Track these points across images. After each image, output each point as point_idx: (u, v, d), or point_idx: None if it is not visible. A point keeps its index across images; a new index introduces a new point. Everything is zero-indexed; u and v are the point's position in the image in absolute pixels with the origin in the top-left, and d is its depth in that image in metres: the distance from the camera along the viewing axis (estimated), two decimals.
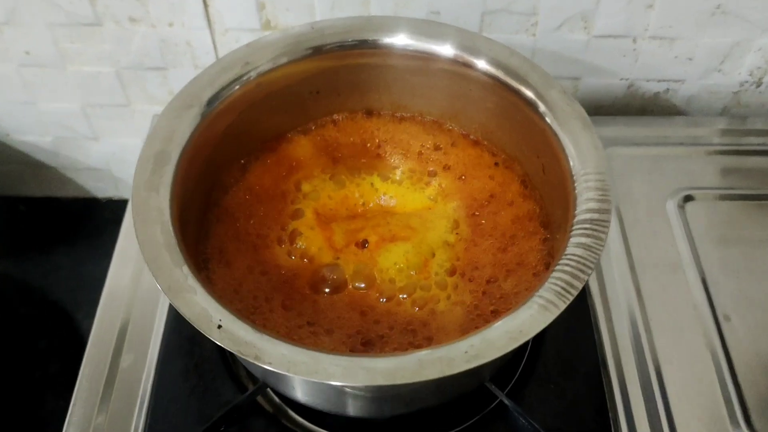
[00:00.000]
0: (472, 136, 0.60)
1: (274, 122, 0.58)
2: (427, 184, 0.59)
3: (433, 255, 0.54)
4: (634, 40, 0.71)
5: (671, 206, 0.67)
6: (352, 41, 0.56)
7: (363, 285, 0.52)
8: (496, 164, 0.58)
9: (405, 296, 0.52)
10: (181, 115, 0.50)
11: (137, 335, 0.60)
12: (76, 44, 0.73)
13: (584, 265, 0.42)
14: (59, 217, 0.92)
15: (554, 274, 0.42)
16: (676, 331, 0.60)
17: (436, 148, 0.60)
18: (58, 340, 0.79)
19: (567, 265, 0.43)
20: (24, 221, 0.91)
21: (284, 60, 0.55)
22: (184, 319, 0.57)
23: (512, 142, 0.56)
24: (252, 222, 0.55)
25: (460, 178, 0.58)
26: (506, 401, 0.52)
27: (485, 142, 0.59)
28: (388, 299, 0.51)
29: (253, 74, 0.53)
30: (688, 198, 0.68)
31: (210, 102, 0.51)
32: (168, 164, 0.48)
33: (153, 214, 0.45)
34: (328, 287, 0.52)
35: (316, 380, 0.37)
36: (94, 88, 0.78)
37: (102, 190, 0.93)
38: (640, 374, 0.57)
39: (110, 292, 0.64)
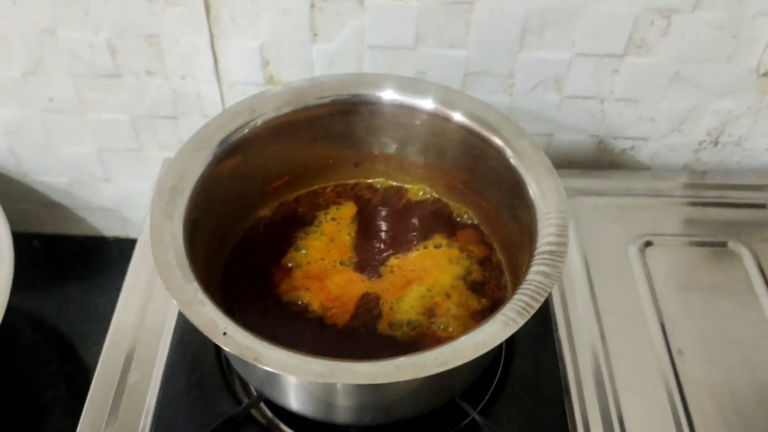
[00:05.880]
0: (454, 184, 0.67)
1: (275, 165, 0.65)
2: (415, 233, 0.67)
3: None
4: (602, 102, 0.79)
5: (633, 251, 0.74)
6: (346, 95, 0.64)
7: None
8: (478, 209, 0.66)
9: None
10: (193, 155, 0.57)
11: (144, 355, 0.66)
12: (96, 93, 0.80)
13: (542, 288, 0.49)
14: (70, 253, 0.98)
15: (516, 296, 0.49)
16: (634, 364, 0.65)
17: (422, 198, 0.68)
18: (68, 366, 0.84)
19: (528, 288, 0.49)
20: (38, 256, 0.97)
21: (287, 109, 0.62)
22: (188, 340, 0.64)
23: (489, 188, 0.64)
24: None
25: (441, 225, 0.68)
26: (477, 418, 0.58)
27: (466, 190, 0.67)
28: None
29: (258, 121, 0.61)
30: (648, 243, 0.75)
31: (219, 144, 0.59)
32: (181, 197, 0.54)
33: (167, 238, 0.52)
34: None
35: (307, 379, 0.43)
36: (110, 134, 0.84)
37: (110, 229, 0.99)
38: (600, 400, 0.63)
39: (119, 318, 0.70)
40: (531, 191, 0.56)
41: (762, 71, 0.74)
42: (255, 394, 0.60)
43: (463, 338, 0.47)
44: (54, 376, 0.83)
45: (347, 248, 0.66)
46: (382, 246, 0.66)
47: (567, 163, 0.85)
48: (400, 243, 0.67)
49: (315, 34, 0.73)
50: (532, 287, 0.49)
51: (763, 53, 0.73)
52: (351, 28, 0.72)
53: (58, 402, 0.80)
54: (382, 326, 0.60)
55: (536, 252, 0.52)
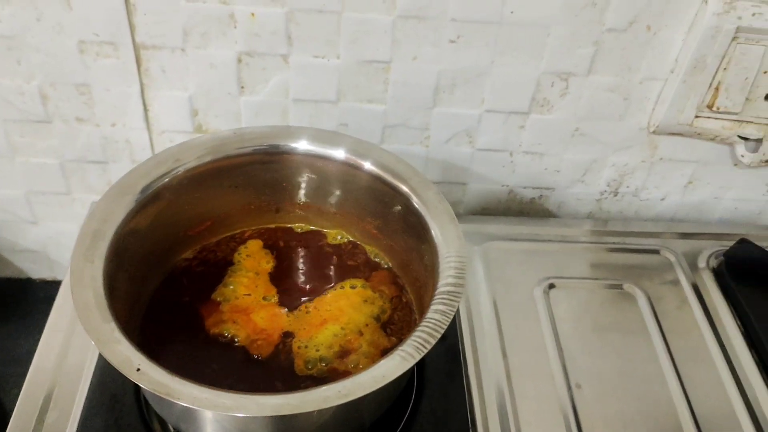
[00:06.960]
0: (368, 229, 0.72)
1: (198, 211, 0.69)
2: (332, 274, 0.71)
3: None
4: (511, 154, 0.85)
5: (538, 292, 0.79)
6: (265, 145, 0.68)
7: None
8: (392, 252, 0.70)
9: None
10: (117, 200, 0.60)
11: (63, 395, 0.67)
12: (26, 138, 0.82)
13: (438, 326, 0.53)
14: None
15: (415, 333, 0.53)
16: (536, 398, 0.70)
17: (340, 242, 0.74)
18: None
19: (426, 326, 0.53)
20: None
21: (209, 158, 0.66)
22: (108, 381, 0.66)
23: (399, 233, 0.68)
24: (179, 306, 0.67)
25: (356, 267, 0.72)
26: None
27: (379, 234, 0.71)
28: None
29: (181, 169, 0.64)
30: (552, 285, 0.80)
31: (142, 191, 0.62)
32: (103, 240, 0.57)
33: (87, 280, 0.54)
34: None
35: (215, 411, 0.46)
36: (38, 177, 0.86)
37: (37, 271, 0.99)
38: None
39: (41, 358, 0.71)
40: (435, 236, 0.61)
41: (651, 129, 0.82)
42: (172, 431, 0.62)
43: (364, 372, 0.50)
44: None
45: (270, 284, 0.70)
46: (301, 286, 0.70)
47: (480, 210, 0.91)
48: (318, 283, 0.70)
49: (242, 87, 0.77)
50: (429, 325, 0.53)
51: (651, 113, 0.80)
52: (276, 83, 0.77)
53: None
54: (298, 363, 0.63)
55: (437, 292, 0.56)
